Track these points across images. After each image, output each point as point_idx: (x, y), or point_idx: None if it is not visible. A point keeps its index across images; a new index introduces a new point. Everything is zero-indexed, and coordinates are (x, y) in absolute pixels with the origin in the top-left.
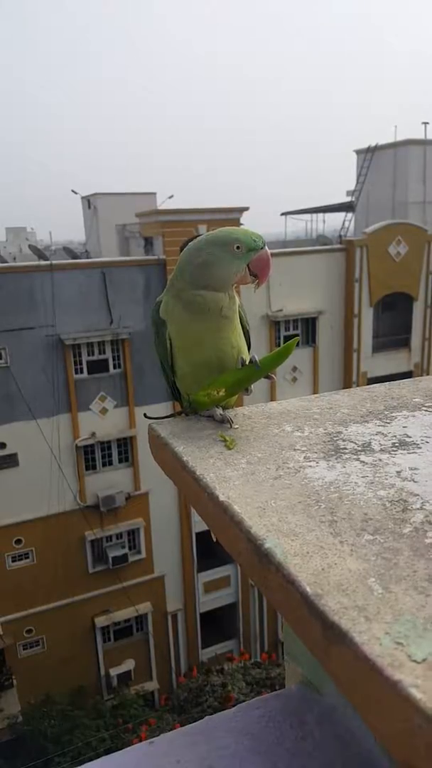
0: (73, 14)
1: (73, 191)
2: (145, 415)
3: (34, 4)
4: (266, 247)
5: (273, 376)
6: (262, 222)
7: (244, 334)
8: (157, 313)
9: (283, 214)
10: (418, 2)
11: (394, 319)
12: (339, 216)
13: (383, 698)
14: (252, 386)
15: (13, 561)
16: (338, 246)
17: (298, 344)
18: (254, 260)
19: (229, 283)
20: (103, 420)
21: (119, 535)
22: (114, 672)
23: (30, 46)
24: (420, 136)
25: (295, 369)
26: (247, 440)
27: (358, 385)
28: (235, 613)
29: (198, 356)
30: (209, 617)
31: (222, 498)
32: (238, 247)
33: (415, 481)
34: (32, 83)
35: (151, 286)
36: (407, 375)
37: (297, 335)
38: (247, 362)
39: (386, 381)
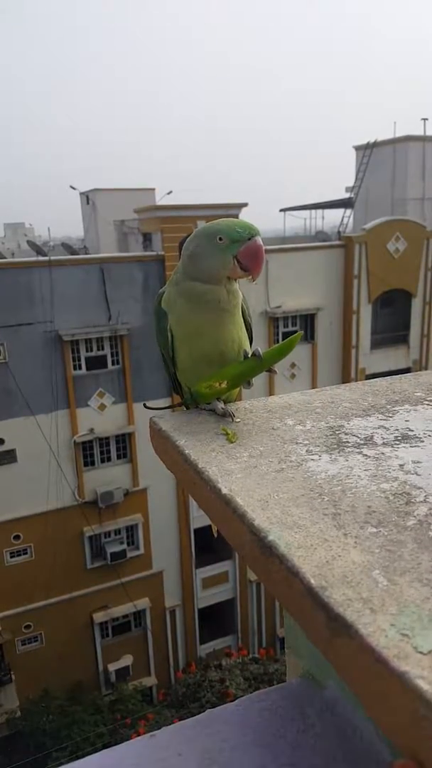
0: (73, 12)
1: (71, 187)
2: (144, 405)
3: (34, 2)
4: (257, 238)
5: (275, 369)
6: (261, 218)
7: (246, 328)
8: (159, 303)
9: (282, 210)
10: (418, 2)
11: (392, 316)
12: (338, 212)
13: (388, 689)
14: (253, 380)
15: (11, 557)
16: (337, 242)
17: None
18: (241, 252)
19: (219, 276)
20: (101, 416)
21: (118, 531)
22: (112, 667)
23: (30, 44)
24: (419, 132)
25: (293, 365)
26: (248, 434)
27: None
28: (234, 609)
29: (198, 348)
30: (207, 613)
31: (224, 491)
32: (220, 239)
33: (419, 474)
34: (32, 81)
35: (149, 282)
36: (406, 371)
37: (296, 332)
38: (250, 355)
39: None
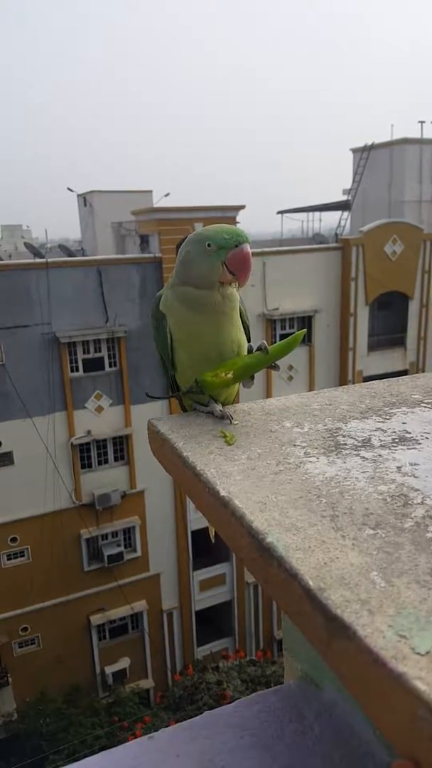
0: (71, 13)
1: (69, 189)
2: (147, 394)
3: (32, 2)
4: (244, 246)
5: (278, 365)
6: (259, 220)
7: (244, 330)
8: (157, 306)
9: (279, 212)
10: (417, 2)
11: (389, 318)
12: (335, 215)
13: (386, 690)
14: (254, 378)
15: (8, 559)
16: (334, 245)
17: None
18: (229, 258)
19: (210, 281)
20: (98, 418)
21: (115, 534)
22: (109, 670)
23: (29, 45)
24: (416, 134)
25: (291, 367)
26: (247, 436)
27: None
28: (231, 611)
29: (197, 350)
30: (205, 615)
31: (223, 493)
32: (209, 245)
33: (416, 477)
34: (30, 81)
35: (147, 284)
36: (403, 374)
37: (293, 334)
38: (256, 349)
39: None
